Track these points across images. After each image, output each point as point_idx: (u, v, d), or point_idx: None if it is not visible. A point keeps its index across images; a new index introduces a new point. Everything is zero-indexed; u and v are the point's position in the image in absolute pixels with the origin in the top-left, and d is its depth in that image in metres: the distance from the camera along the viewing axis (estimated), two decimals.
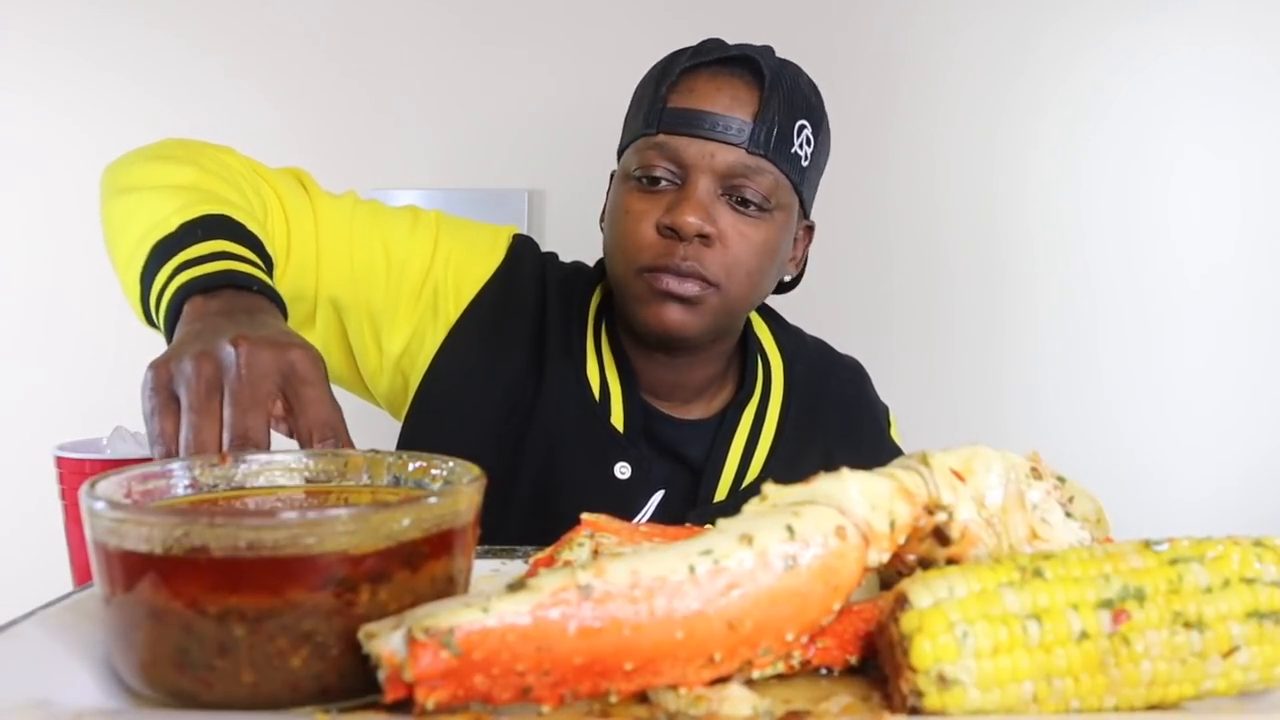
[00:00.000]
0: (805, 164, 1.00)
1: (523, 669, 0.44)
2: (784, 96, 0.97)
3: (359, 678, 0.46)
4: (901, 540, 0.52)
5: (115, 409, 1.46)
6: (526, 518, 1.01)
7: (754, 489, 0.98)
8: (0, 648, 0.52)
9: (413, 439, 1.05)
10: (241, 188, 0.89)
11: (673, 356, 1.04)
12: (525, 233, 1.13)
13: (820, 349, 1.17)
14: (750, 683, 0.50)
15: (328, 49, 1.77)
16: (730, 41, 1.04)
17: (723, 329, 1.02)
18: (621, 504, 1.00)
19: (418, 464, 0.59)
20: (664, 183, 0.97)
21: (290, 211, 0.97)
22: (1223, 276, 1.72)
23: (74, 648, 0.52)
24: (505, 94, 1.75)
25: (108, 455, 0.84)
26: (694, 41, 1.06)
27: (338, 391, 1.08)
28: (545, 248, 1.15)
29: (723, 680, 0.48)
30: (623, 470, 1.02)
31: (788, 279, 1.09)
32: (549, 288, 1.08)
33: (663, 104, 0.97)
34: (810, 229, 1.08)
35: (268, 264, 0.79)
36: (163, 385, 0.62)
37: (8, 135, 1.78)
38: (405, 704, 0.44)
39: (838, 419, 1.10)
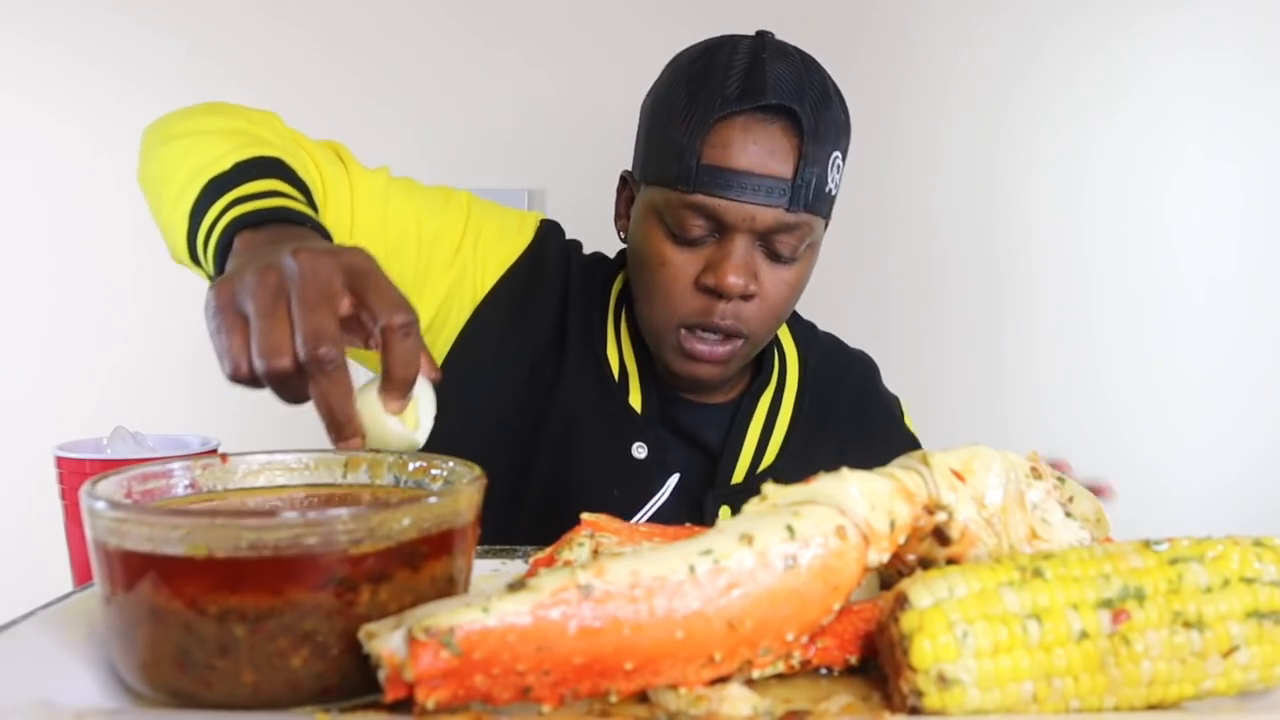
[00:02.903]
0: (834, 191, 0.98)
1: (523, 669, 0.44)
2: (821, 143, 0.94)
3: (359, 677, 0.46)
4: (901, 540, 0.52)
5: (115, 409, 1.46)
6: (545, 494, 1.02)
7: (770, 472, 1.01)
8: (0, 648, 0.52)
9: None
10: (286, 146, 0.90)
11: None
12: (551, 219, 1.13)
13: (833, 343, 1.18)
14: (750, 683, 0.50)
15: (327, 49, 1.77)
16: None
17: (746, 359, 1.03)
18: (638, 483, 1.01)
19: (418, 464, 0.59)
20: (701, 240, 0.95)
21: (327, 181, 0.96)
22: (1223, 278, 1.72)
23: (74, 648, 0.52)
24: (505, 94, 1.75)
25: (108, 455, 0.84)
26: (695, 41, 1.04)
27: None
28: None
29: (723, 680, 0.48)
30: (640, 450, 1.02)
31: None
32: (572, 272, 1.08)
33: (696, 160, 0.93)
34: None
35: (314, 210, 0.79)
36: (226, 303, 0.60)
37: (7, 135, 1.78)
38: (405, 704, 0.44)
39: (850, 410, 1.11)
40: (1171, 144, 1.71)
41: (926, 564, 0.55)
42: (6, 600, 0.68)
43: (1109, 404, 1.74)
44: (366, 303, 0.59)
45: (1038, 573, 0.49)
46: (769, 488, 0.52)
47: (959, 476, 0.54)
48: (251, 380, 0.59)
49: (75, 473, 0.82)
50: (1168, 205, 1.72)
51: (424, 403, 0.62)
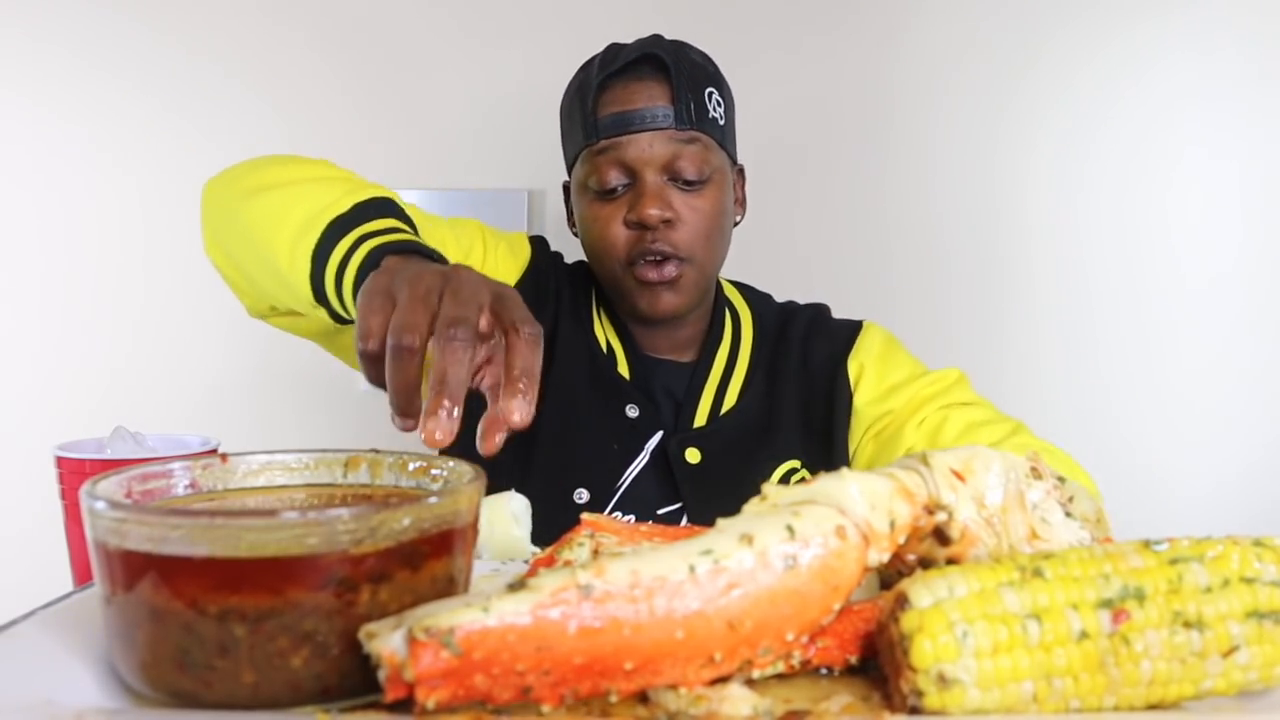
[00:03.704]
0: (723, 123, 1.14)
1: (523, 669, 0.44)
2: (688, 75, 1.11)
3: (359, 677, 0.46)
4: (901, 540, 0.52)
5: (115, 409, 1.46)
6: (550, 456, 1.13)
7: (734, 414, 1.17)
8: (0, 648, 0.52)
9: None
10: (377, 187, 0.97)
11: (666, 325, 1.18)
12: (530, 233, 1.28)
13: (787, 303, 1.30)
14: (750, 683, 0.50)
15: (327, 49, 1.77)
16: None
17: (705, 292, 1.17)
18: (633, 438, 1.14)
19: (418, 464, 0.59)
20: (619, 189, 1.11)
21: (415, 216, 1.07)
22: (1223, 277, 1.72)
23: (74, 648, 0.52)
24: (505, 94, 1.75)
25: (108, 455, 0.84)
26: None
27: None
28: None
29: (723, 680, 0.48)
30: (632, 410, 1.16)
31: (739, 220, 1.22)
32: (561, 278, 1.23)
33: (594, 116, 1.11)
34: (742, 171, 1.22)
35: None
36: (380, 288, 0.65)
37: (7, 135, 1.78)
38: (406, 704, 0.44)
39: (799, 348, 1.22)
40: (1171, 143, 1.71)
41: (926, 564, 0.55)
42: (6, 600, 0.68)
43: (1109, 404, 1.74)
44: (503, 317, 0.64)
45: (1038, 573, 0.49)
46: (769, 488, 0.52)
47: (959, 476, 0.54)
48: (377, 358, 0.63)
49: (75, 473, 0.82)
50: (1168, 204, 1.72)
51: (524, 515, 0.78)
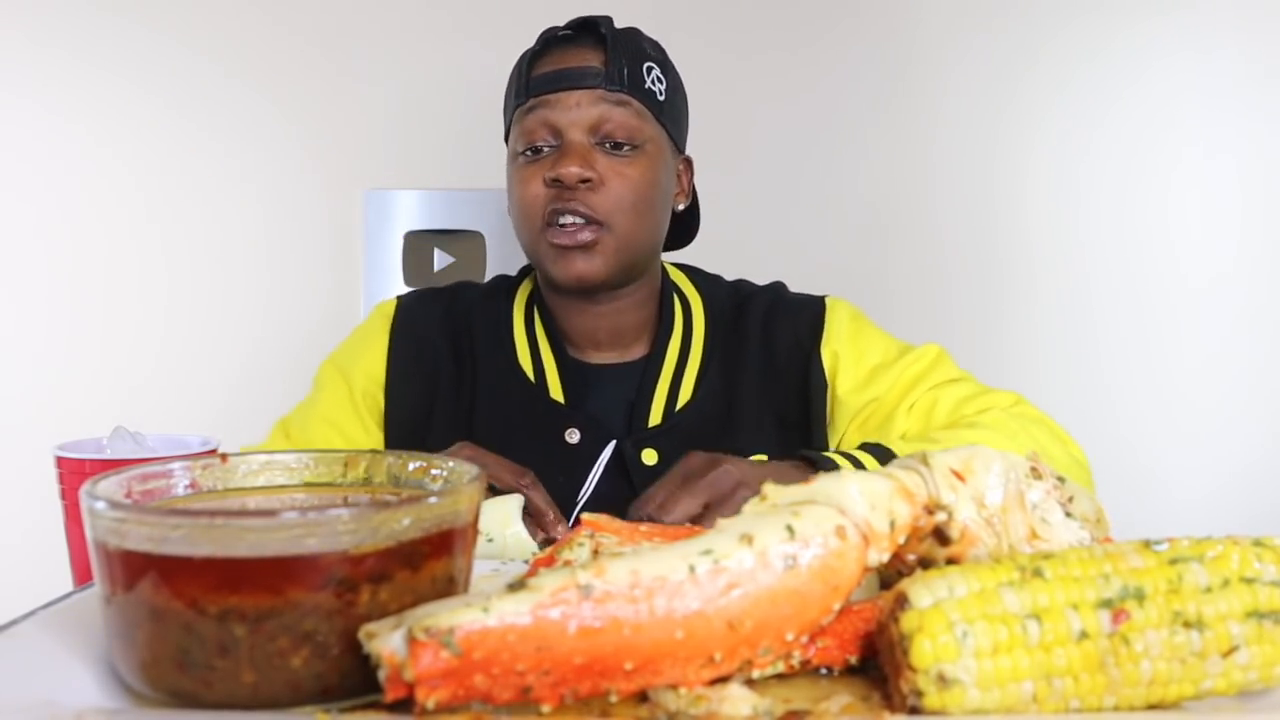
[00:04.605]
0: (662, 98, 1.11)
1: (523, 669, 0.44)
2: (625, 46, 1.09)
3: (359, 677, 0.46)
4: (901, 540, 0.52)
5: (115, 409, 1.46)
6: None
7: (690, 409, 1.12)
8: (0, 648, 0.52)
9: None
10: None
11: (594, 302, 1.13)
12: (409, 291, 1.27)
13: (739, 283, 1.24)
14: (750, 683, 0.50)
15: (327, 49, 1.77)
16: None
17: (627, 266, 1.10)
18: (579, 465, 1.08)
19: (418, 464, 0.59)
20: (545, 149, 1.08)
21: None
22: (1222, 277, 1.72)
23: (74, 648, 0.52)
24: (504, 94, 1.74)
25: (108, 455, 0.84)
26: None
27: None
28: None
29: (723, 680, 0.48)
30: (572, 435, 1.10)
31: (680, 208, 1.18)
32: (471, 308, 1.19)
33: (527, 78, 1.09)
34: (689, 163, 1.18)
35: None
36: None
37: (7, 135, 1.78)
38: (406, 704, 0.44)
39: (758, 334, 1.17)
40: (1170, 143, 1.71)
41: (926, 564, 0.55)
42: (6, 600, 0.68)
43: (1109, 404, 1.73)
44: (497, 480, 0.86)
45: (1038, 573, 0.49)
46: (769, 488, 0.52)
47: (959, 476, 0.54)
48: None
49: (75, 473, 0.82)
50: (1168, 204, 1.72)
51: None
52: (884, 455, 0.95)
